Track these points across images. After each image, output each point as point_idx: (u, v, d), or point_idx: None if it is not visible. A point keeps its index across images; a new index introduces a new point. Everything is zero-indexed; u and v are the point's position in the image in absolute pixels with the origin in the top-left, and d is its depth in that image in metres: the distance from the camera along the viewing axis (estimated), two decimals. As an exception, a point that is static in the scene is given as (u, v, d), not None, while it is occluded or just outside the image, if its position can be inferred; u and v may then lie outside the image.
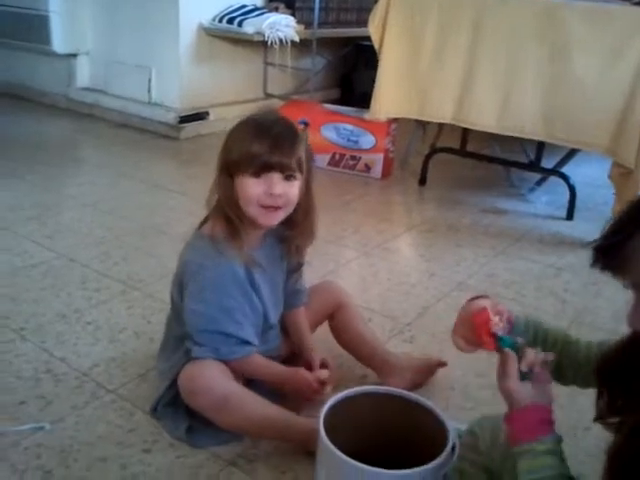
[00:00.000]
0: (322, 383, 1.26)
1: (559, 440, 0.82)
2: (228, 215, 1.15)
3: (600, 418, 0.81)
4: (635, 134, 2.09)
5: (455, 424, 1.10)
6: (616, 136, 2.14)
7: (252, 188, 1.12)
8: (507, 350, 0.88)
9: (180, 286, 1.21)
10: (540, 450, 0.80)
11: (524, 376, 0.86)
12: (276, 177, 1.12)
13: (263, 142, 1.10)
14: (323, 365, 1.33)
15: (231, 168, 1.14)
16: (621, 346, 0.82)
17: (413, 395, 1.08)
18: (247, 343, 1.20)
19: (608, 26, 2.13)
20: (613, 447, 0.72)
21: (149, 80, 3.36)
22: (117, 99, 3.48)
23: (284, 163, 1.12)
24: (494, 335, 0.91)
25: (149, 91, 3.38)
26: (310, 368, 1.31)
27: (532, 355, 0.87)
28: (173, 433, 1.22)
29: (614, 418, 0.77)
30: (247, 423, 1.16)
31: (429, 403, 1.04)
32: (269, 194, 1.12)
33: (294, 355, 1.38)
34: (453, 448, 0.95)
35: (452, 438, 0.95)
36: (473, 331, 0.94)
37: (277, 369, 1.26)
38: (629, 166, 2.11)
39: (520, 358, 0.87)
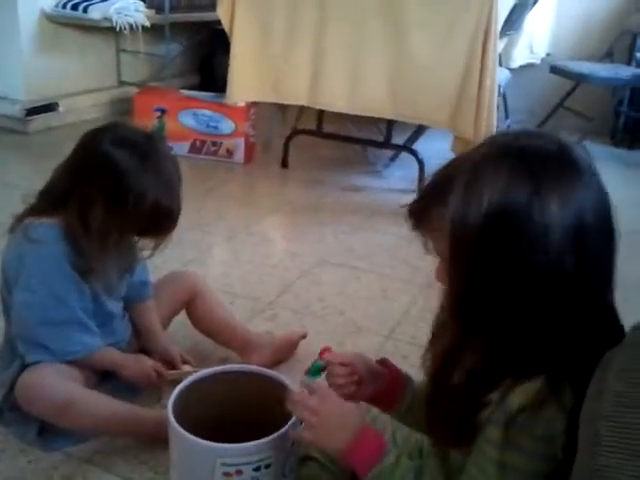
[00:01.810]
0: (159, 373, 1.27)
1: (393, 444, 0.86)
2: (81, 238, 1.13)
3: None
4: (471, 108, 2.24)
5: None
6: (455, 111, 2.28)
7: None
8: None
9: (7, 280, 1.17)
10: (392, 462, 0.79)
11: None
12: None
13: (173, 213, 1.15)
14: (184, 361, 1.34)
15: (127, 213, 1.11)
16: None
17: (264, 369, 1.10)
18: (82, 341, 1.18)
19: (442, 4, 2.26)
20: None
21: (-11, 71, 3.12)
22: (-46, 93, 3.20)
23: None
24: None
25: (-10, 83, 3.15)
26: (172, 366, 1.31)
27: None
28: (23, 438, 1.17)
29: None
30: (95, 424, 1.14)
31: (278, 375, 1.07)
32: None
33: (146, 351, 1.36)
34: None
35: (299, 406, 0.99)
36: None
37: (114, 355, 1.24)
38: (468, 137, 2.26)
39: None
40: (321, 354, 0.97)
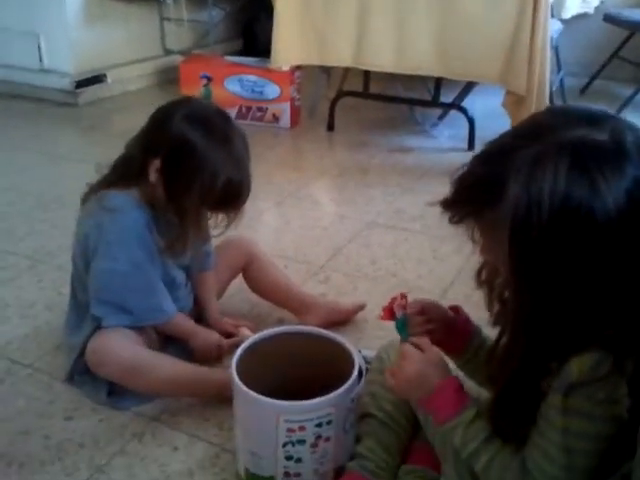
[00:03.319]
0: (221, 348, 1.31)
1: (476, 401, 0.85)
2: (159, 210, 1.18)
3: None
4: (523, 62, 2.17)
5: (369, 353, 1.17)
6: (506, 65, 2.22)
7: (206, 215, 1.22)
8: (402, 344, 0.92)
9: (85, 250, 1.21)
10: (468, 419, 0.82)
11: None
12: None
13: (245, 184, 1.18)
14: (239, 326, 1.37)
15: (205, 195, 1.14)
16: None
17: (322, 330, 1.12)
18: (162, 307, 1.23)
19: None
20: None
21: (38, 47, 3.18)
22: (5, 69, 3.28)
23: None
24: (392, 311, 0.97)
25: (40, 58, 3.21)
26: (227, 335, 1.35)
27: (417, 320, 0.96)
28: (94, 398, 1.23)
29: None
30: (161, 386, 1.19)
31: (335, 335, 1.09)
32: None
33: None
34: (360, 374, 1.01)
35: (358, 365, 1.01)
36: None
37: (187, 324, 1.29)
38: (520, 93, 2.20)
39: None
40: (394, 303, 0.97)
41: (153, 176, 1.15)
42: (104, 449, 1.12)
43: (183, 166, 1.14)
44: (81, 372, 1.23)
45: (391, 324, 0.97)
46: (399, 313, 0.96)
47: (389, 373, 0.91)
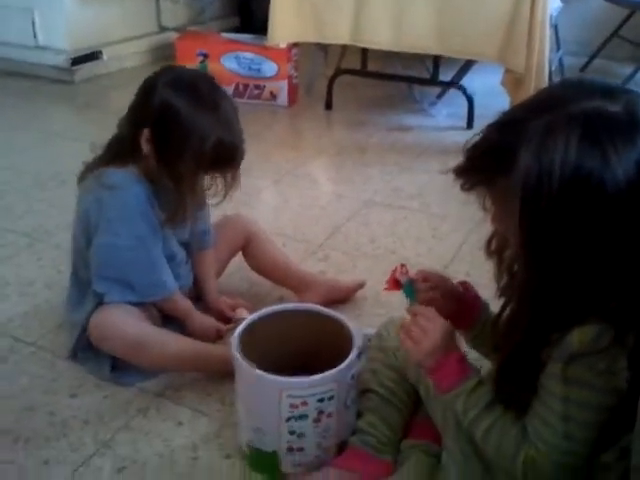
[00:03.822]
0: (219, 331, 1.31)
1: (478, 370, 0.86)
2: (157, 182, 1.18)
3: None
4: (523, 39, 2.16)
5: (368, 330, 1.18)
6: (505, 44, 2.20)
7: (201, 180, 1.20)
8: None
9: (86, 226, 1.21)
10: (470, 387, 0.83)
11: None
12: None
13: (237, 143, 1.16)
14: (237, 306, 1.38)
15: (199, 160, 1.14)
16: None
17: (322, 308, 1.14)
18: (164, 282, 1.23)
19: None
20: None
21: (32, 23, 3.14)
22: (1, 46, 3.24)
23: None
24: (396, 280, 0.98)
25: (35, 35, 3.17)
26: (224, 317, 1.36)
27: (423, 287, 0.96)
28: (98, 375, 1.24)
29: None
30: (164, 361, 1.20)
31: (335, 313, 1.11)
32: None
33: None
34: (360, 351, 1.02)
35: (358, 342, 1.02)
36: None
37: (186, 305, 1.30)
38: (519, 71, 2.19)
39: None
40: (396, 272, 0.97)
41: (145, 147, 1.16)
42: (109, 424, 1.14)
43: (171, 133, 1.14)
44: (84, 349, 1.24)
45: (390, 301, 0.98)
46: (404, 279, 0.97)
47: (404, 333, 0.89)
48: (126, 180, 1.18)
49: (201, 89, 1.15)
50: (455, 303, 0.98)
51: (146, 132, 1.15)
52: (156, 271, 1.23)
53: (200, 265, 1.40)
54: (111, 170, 1.19)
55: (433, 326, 0.87)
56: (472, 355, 0.97)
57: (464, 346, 0.98)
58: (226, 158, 1.17)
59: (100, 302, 1.20)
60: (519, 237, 0.72)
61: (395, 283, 0.97)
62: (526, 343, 0.75)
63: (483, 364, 0.97)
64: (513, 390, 0.79)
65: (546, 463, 0.75)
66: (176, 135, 1.13)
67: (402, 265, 0.98)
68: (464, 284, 1.02)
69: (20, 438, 1.11)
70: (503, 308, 0.85)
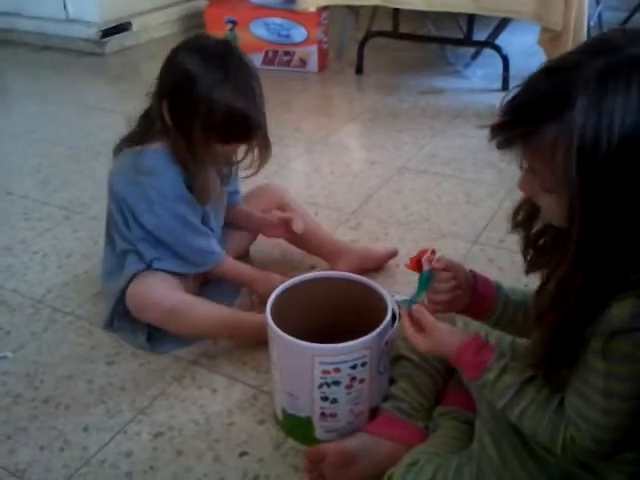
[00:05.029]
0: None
1: (502, 354, 0.84)
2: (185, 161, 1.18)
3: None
4: (560, -4, 2.07)
5: (401, 297, 1.16)
6: (542, 0, 2.12)
7: (220, 152, 1.19)
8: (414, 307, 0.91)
9: (121, 207, 1.23)
10: (492, 379, 0.81)
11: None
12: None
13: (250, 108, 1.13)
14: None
15: (210, 128, 1.13)
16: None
17: (354, 275, 1.13)
18: (211, 250, 1.25)
19: None
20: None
21: (63, -5, 3.16)
22: (34, 20, 3.27)
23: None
24: (419, 262, 0.95)
25: (65, 7, 3.18)
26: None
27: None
28: (134, 343, 1.26)
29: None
30: (199, 329, 1.21)
31: (369, 280, 1.10)
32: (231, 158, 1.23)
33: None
34: (394, 317, 1.01)
35: (391, 309, 1.01)
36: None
37: (247, 269, 1.32)
38: (557, 29, 2.11)
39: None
40: (421, 255, 0.96)
41: (167, 117, 1.15)
42: (145, 392, 1.16)
43: (183, 101, 1.13)
44: (120, 318, 1.27)
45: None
46: (426, 266, 0.95)
47: (412, 336, 0.90)
48: (159, 163, 1.18)
49: (213, 53, 1.13)
50: (471, 292, 0.95)
51: (165, 103, 1.14)
52: (202, 241, 1.24)
53: (237, 214, 1.41)
54: (146, 153, 1.19)
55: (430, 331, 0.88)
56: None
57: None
58: (238, 126, 1.14)
59: (136, 272, 1.21)
60: (569, 192, 0.66)
61: (417, 265, 0.95)
62: (577, 312, 0.72)
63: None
64: (557, 365, 0.77)
65: (587, 441, 0.73)
66: (187, 103, 1.12)
67: (433, 252, 0.96)
68: (471, 272, 0.97)
69: (61, 404, 1.14)
70: (547, 278, 0.81)
